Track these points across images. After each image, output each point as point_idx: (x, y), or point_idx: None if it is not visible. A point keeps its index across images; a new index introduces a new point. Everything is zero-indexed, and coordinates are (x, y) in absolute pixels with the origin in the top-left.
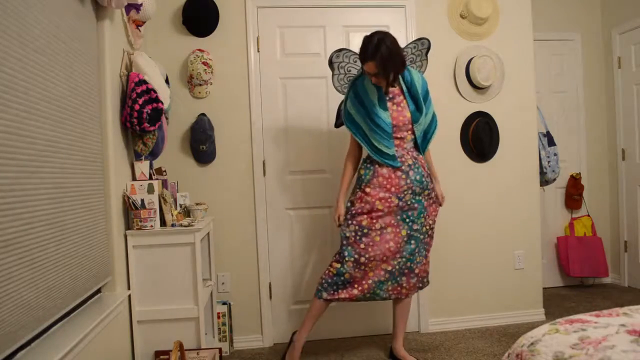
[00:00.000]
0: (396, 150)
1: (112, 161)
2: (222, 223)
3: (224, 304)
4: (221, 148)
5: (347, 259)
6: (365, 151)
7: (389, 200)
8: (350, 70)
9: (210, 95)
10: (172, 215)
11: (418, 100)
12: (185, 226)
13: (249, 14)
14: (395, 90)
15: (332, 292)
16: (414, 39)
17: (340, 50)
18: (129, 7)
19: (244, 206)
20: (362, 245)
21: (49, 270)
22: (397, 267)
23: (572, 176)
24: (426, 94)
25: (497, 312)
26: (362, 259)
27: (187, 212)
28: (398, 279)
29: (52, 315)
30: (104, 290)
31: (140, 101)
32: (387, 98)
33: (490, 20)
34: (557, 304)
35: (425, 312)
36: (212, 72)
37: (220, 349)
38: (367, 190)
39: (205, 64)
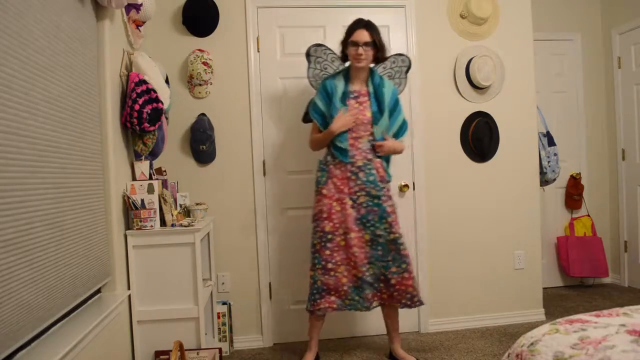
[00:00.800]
0: (349, 150)
1: (112, 161)
2: (222, 223)
3: (224, 304)
4: (221, 148)
5: (317, 266)
6: (321, 153)
7: (344, 201)
8: (326, 68)
9: (210, 95)
10: (172, 215)
11: (382, 103)
12: (185, 226)
13: (249, 14)
14: (362, 90)
15: (313, 302)
16: (393, 54)
17: (319, 45)
18: (129, 7)
19: (244, 206)
20: (327, 252)
21: (49, 270)
22: (369, 274)
23: (572, 176)
24: (395, 102)
25: (497, 312)
26: (330, 265)
27: (187, 212)
28: (375, 285)
29: (52, 315)
30: (104, 290)
31: (140, 101)
32: (352, 96)
33: (490, 20)
34: (557, 304)
35: (425, 312)
36: (212, 72)
37: (220, 349)
38: (324, 192)
39: (205, 64)
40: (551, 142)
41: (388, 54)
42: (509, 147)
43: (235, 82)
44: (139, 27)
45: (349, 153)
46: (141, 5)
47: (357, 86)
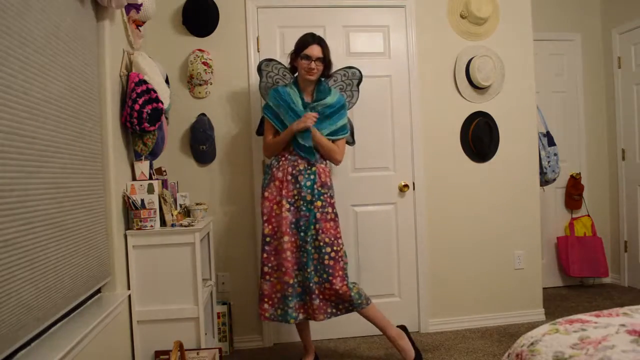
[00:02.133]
0: (293, 154)
1: (112, 161)
2: (222, 223)
3: (224, 304)
4: (221, 148)
5: (259, 269)
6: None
7: (282, 204)
8: (277, 82)
9: (210, 95)
10: (172, 215)
11: (326, 112)
12: (185, 226)
13: (249, 14)
14: (309, 100)
15: (259, 306)
16: (343, 67)
17: (270, 60)
18: (129, 7)
19: (244, 206)
20: (264, 255)
21: (49, 270)
22: (298, 281)
23: (572, 176)
24: (339, 108)
25: (497, 312)
26: (266, 269)
27: (187, 212)
28: (303, 296)
29: (52, 315)
30: (104, 290)
31: (140, 101)
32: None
33: (490, 20)
34: (557, 304)
35: (425, 312)
36: (212, 72)
37: (220, 349)
38: (266, 194)
39: (205, 64)
40: (551, 142)
41: (333, 71)
42: (509, 147)
43: (235, 82)
44: (139, 27)
45: (291, 160)
46: (141, 5)
47: (306, 97)
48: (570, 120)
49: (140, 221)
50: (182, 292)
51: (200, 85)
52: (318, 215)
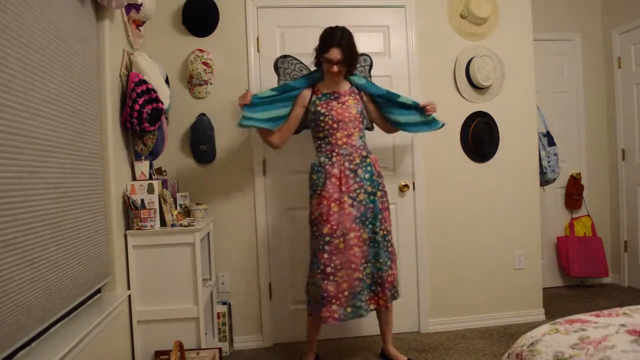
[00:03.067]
0: (344, 148)
1: (112, 161)
2: (222, 223)
3: (224, 304)
4: (221, 148)
5: (315, 271)
6: (313, 157)
7: (342, 200)
8: (295, 78)
9: (210, 95)
10: (172, 215)
11: (375, 91)
12: (185, 226)
13: (249, 14)
14: (340, 90)
15: (317, 312)
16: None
17: (285, 56)
18: (129, 7)
19: (244, 206)
20: (325, 255)
21: (49, 270)
22: (367, 273)
23: (572, 176)
24: (382, 90)
25: (497, 312)
26: (328, 270)
27: (187, 212)
28: (373, 288)
29: (52, 315)
30: (104, 290)
31: (140, 101)
32: (333, 97)
33: (490, 20)
34: (557, 304)
35: (425, 312)
36: (212, 72)
37: (220, 349)
38: (323, 193)
39: (205, 64)
40: (551, 142)
41: (358, 64)
42: (509, 147)
43: (235, 82)
44: (139, 27)
45: (345, 154)
46: (141, 5)
47: (333, 87)
48: (570, 120)
49: (140, 221)
50: (182, 292)
51: (200, 85)
52: (380, 205)
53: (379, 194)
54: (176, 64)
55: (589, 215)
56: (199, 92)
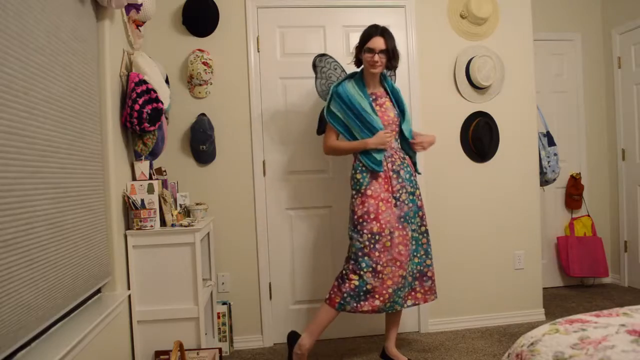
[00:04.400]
0: (386, 150)
1: (112, 161)
2: (222, 223)
3: (224, 304)
4: (221, 148)
5: (365, 270)
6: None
7: (389, 200)
8: (330, 77)
9: (210, 95)
10: (172, 215)
11: (401, 104)
12: (185, 226)
13: (249, 14)
14: (377, 92)
15: (355, 305)
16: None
17: (323, 55)
18: (129, 7)
19: (244, 206)
20: (376, 253)
21: (49, 270)
22: (409, 272)
23: (572, 176)
24: (405, 108)
25: (497, 312)
26: (379, 267)
27: (187, 212)
28: (412, 283)
29: (52, 315)
30: (104, 290)
31: (140, 101)
32: (372, 99)
33: (490, 20)
34: (557, 304)
35: (425, 312)
36: (212, 72)
37: (220, 349)
38: (369, 192)
39: (205, 64)
40: (551, 142)
41: (399, 62)
42: (509, 147)
43: (236, 82)
44: (139, 27)
45: (387, 156)
46: (141, 5)
47: (372, 89)
48: (570, 120)
49: (140, 221)
50: (182, 292)
51: (200, 85)
52: (419, 203)
53: (417, 192)
54: (176, 64)
55: (589, 215)
56: (199, 92)
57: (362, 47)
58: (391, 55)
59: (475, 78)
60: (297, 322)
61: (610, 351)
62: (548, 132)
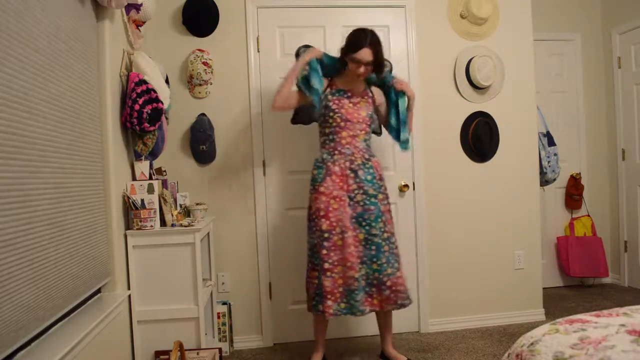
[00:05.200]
0: (347, 147)
1: (112, 161)
2: (222, 223)
3: (224, 304)
4: (221, 148)
5: (317, 267)
6: (313, 157)
7: (343, 199)
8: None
9: (210, 95)
10: (172, 215)
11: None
12: (185, 226)
13: (249, 14)
14: (355, 90)
15: (320, 303)
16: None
17: (307, 45)
18: (129, 7)
19: (244, 206)
20: (324, 251)
21: (49, 270)
22: (362, 274)
23: (572, 176)
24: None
25: (497, 312)
26: (327, 265)
27: (187, 212)
28: (367, 289)
29: (52, 315)
30: (104, 290)
31: (140, 101)
32: (346, 95)
33: (490, 20)
34: (557, 304)
35: (425, 312)
36: (212, 72)
37: (220, 349)
38: (321, 189)
39: (205, 64)
40: (551, 142)
41: (385, 70)
42: (509, 147)
43: (235, 82)
44: (139, 27)
45: (348, 153)
46: (141, 5)
47: (350, 85)
48: (570, 120)
49: (140, 221)
50: (182, 292)
51: (200, 85)
52: (382, 207)
53: (380, 196)
54: (176, 64)
55: (589, 215)
56: (199, 92)
57: (347, 52)
58: (377, 67)
59: (475, 78)
60: (297, 322)
61: (610, 351)
62: (548, 132)
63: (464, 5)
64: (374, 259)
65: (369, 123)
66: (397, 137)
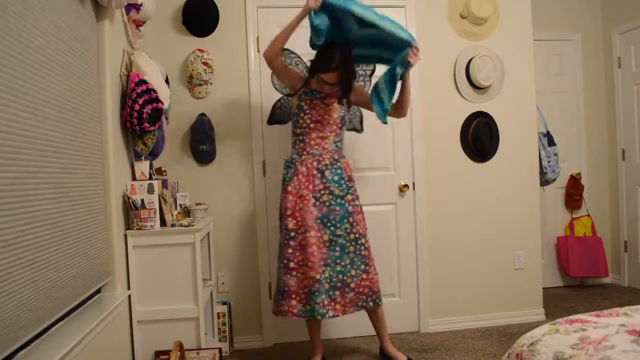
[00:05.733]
0: (316, 148)
1: (112, 161)
2: (222, 223)
3: (224, 304)
4: (221, 148)
5: (281, 265)
6: (287, 152)
7: (308, 198)
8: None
9: (210, 95)
10: (172, 215)
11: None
12: (185, 226)
13: (249, 14)
14: (330, 91)
15: (276, 303)
16: None
17: (285, 49)
18: (129, 7)
19: (244, 206)
20: (289, 250)
21: (49, 270)
22: (326, 277)
23: (572, 176)
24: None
25: (497, 312)
26: (292, 264)
27: (187, 212)
28: (330, 292)
29: (52, 315)
30: (104, 290)
31: (140, 101)
32: (319, 96)
33: (490, 20)
34: (557, 304)
35: (425, 312)
36: (212, 72)
37: (220, 349)
38: (289, 189)
39: (205, 64)
40: (551, 142)
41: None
42: (509, 147)
43: (236, 82)
44: (139, 27)
45: (316, 154)
46: (141, 5)
47: (327, 89)
48: (570, 120)
49: (140, 221)
50: (182, 292)
51: (200, 85)
52: (350, 208)
53: (349, 197)
54: (176, 64)
55: (589, 215)
56: (199, 92)
57: (315, 68)
58: (344, 85)
59: (475, 78)
60: (297, 322)
61: (610, 351)
62: (548, 132)
63: (464, 5)
64: (338, 260)
65: (340, 125)
66: (381, 108)
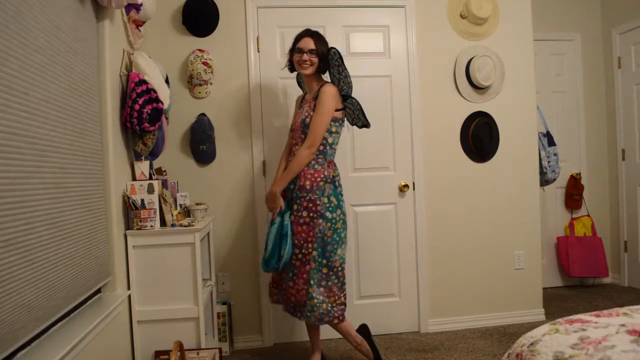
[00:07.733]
0: (292, 155)
1: (112, 161)
2: (222, 223)
3: (224, 304)
4: (221, 148)
5: None
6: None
7: (282, 204)
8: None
9: (210, 95)
10: (172, 215)
11: None
12: (185, 226)
13: (249, 14)
14: (309, 96)
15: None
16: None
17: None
18: (129, 7)
19: (244, 206)
20: None
21: (49, 270)
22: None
23: (572, 176)
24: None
25: (497, 312)
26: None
27: (187, 212)
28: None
29: (52, 315)
30: (104, 290)
31: (140, 101)
32: (300, 104)
33: (490, 20)
34: (557, 304)
35: (425, 312)
36: (212, 72)
37: (220, 349)
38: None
39: (205, 64)
40: (551, 142)
41: (330, 66)
42: (509, 147)
43: (235, 82)
44: (139, 27)
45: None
46: (141, 5)
47: (309, 93)
48: (570, 120)
49: (140, 221)
50: (182, 292)
51: (200, 85)
52: (292, 218)
53: (294, 207)
54: (176, 64)
55: (589, 215)
56: (199, 92)
57: (292, 47)
58: (320, 57)
59: (475, 78)
60: (297, 322)
61: (610, 351)
62: (548, 132)
63: (464, 5)
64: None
65: (302, 129)
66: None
